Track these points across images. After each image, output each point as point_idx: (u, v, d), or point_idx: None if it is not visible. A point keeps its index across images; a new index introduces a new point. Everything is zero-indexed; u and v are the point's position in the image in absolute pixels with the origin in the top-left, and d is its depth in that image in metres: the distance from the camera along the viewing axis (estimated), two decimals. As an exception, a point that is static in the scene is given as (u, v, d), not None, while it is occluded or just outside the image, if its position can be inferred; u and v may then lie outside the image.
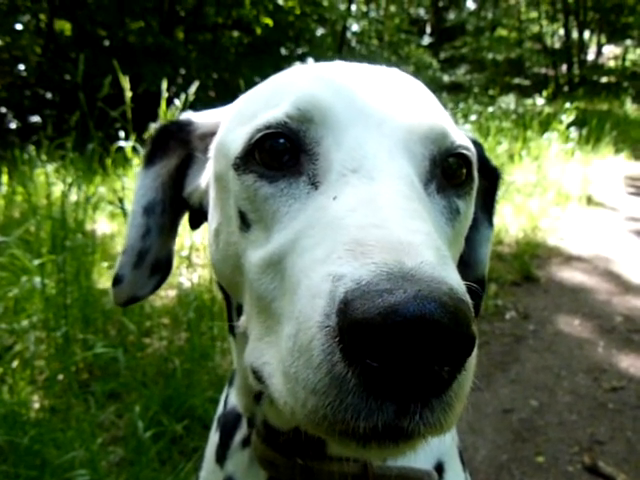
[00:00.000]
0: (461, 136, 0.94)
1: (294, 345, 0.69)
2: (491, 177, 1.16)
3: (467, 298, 0.66)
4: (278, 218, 0.85)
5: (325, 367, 0.64)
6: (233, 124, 0.99)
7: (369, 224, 0.70)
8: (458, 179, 0.92)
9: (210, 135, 1.07)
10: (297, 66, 1.03)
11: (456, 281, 0.67)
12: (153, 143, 1.13)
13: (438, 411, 0.65)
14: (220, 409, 1.26)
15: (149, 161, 1.14)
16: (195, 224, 1.22)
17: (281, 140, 0.87)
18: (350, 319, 0.62)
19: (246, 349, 0.88)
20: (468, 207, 0.95)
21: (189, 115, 1.13)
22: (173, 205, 1.16)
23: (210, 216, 1.03)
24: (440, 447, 1.16)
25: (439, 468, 1.14)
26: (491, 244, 1.21)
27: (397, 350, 0.60)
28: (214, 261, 1.00)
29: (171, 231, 1.19)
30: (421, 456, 1.12)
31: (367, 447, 0.67)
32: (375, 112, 0.87)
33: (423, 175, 0.87)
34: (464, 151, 0.92)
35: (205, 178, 1.09)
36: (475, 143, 1.11)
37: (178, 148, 1.12)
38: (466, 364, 0.65)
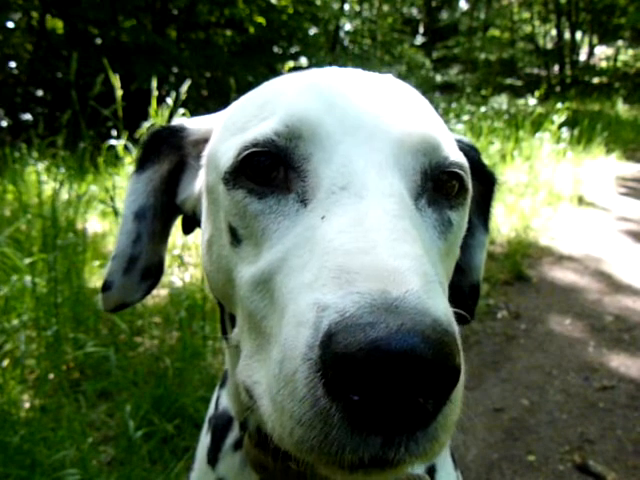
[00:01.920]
0: (453, 149, 0.92)
1: (280, 373, 0.68)
2: (487, 182, 1.15)
3: (452, 327, 0.65)
4: (268, 235, 0.84)
5: (309, 401, 0.64)
6: (224, 134, 0.97)
7: (356, 249, 0.69)
8: (450, 190, 0.91)
9: (203, 142, 1.06)
10: (289, 74, 1.00)
11: (442, 310, 0.65)
12: (145, 148, 1.12)
13: (423, 442, 0.64)
14: (211, 410, 1.25)
15: (141, 166, 1.12)
16: (188, 229, 1.21)
17: (269, 157, 0.85)
18: (332, 353, 0.61)
19: (238, 364, 0.87)
20: (461, 218, 0.93)
21: (182, 121, 1.12)
22: (165, 210, 1.15)
23: (203, 226, 1.01)
24: None
25: (431, 468, 1.15)
26: (486, 249, 1.19)
27: (380, 385, 0.60)
28: (207, 272, 0.99)
29: (162, 237, 1.18)
30: None
31: (354, 474, 0.67)
32: (367, 124, 0.86)
33: (414, 189, 0.86)
34: (456, 169, 0.90)
35: (198, 186, 1.07)
36: (471, 148, 1.11)
37: (170, 153, 1.10)
38: (451, 396, 0.65)
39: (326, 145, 0.84)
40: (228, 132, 0.96)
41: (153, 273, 1.18)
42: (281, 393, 0.68)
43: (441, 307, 0.65)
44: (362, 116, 0.86)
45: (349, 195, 0.77)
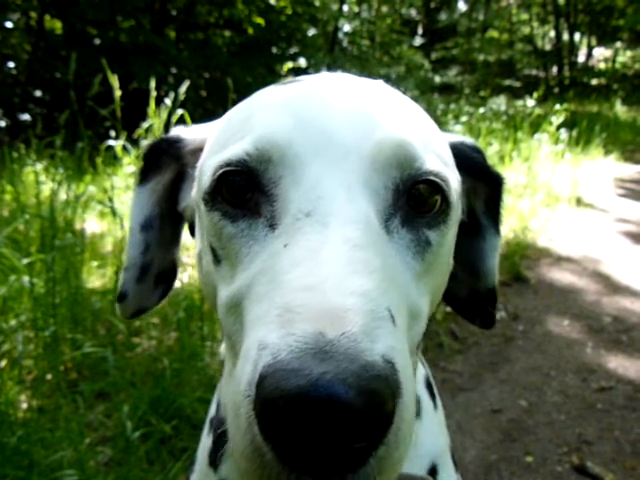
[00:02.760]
0: (431, 160, 0.88)
1: (233, 403, 0.69)
2: (493, 183, 1.11)
3: (388, 371, 0.64)
4: (240, 259, 0.84)
5: (248, 436, 0.64)
6: (211, 150, 0.97)
7: (303, 285, 0.69)
8: (430, 207, 0.87)
9: (199, 151, 1.06)
10: (270, 88, 0.99)
11: (381, 351, 0.64)
12: (145, 160, 1.13)
13: None
14: (212, 411, 1.24)
15: (143, 178, 1.13)
16: (195, 233, 1.22)
17: (243, 177, 0.85)
18: (261, 396, 0.62)
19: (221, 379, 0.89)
20: (443, 236, 0.89)
21: (178, 131, 1.12)
22: (172, 217, 1.16)
23: (196, 236, 1.02)
24: (433, 449, 1.17)
25: (433, 470, 1.15)
26: (499, 252, 1.16)
27: (304, 431, 0.60)
28: (200, 282, 1.01)
29: (173, 241, 1.20)
30: (416, 459, 1.13)
31: None
32: (339, 143, 0.83)
33: (385, 210, 0.83)
34: (432, 177, 0.86)
35: (194, 195, 1.08)
36: (474, 149, 1.09)
37: (171, 163, 1.11)
38: (385, 439, 0.64)
39: (296, 168, 0.82)
40: (213, 149, 0.96)
41: (167, 277, 1.21)
42: (232, 422, 0.69)
43: (380, 349, 0.64)
44: (335, 134, 0.84)
45: (312, 222, 0.76)
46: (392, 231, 0.83)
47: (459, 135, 1.12)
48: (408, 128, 0.89)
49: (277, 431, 0.61)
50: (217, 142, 0.96)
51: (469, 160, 1.06)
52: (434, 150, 0.91)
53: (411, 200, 0.86)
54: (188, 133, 1.11)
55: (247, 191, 0.85)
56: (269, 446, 0.62)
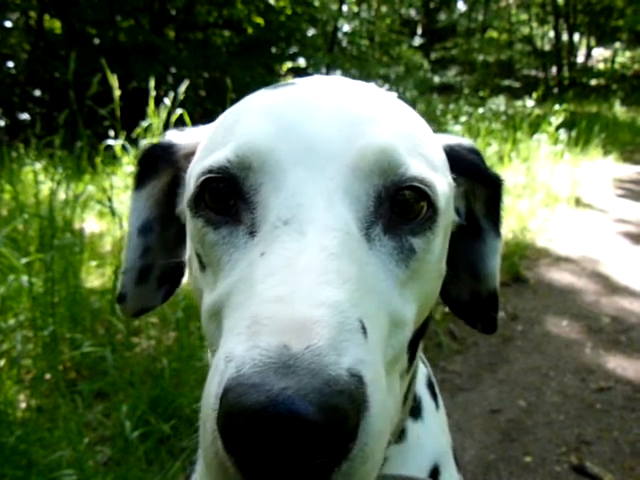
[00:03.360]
0: (416, 166, 0.86)
1: (202, 415, 0.69)
2: (492, 185, 1.09)
3: (352, 386, 0.62)
4: (222, 266, 0.84)
5: (213, 449, 0.64)
6: (200, 155, 0.97)
7: (274, 296, 0.68)
8: (416, 213, 0.86)
9: (192, 154, 1.06)
10: (260, 92, 0.98)
11: (347, 365, 0.63)
12: (140, 165, 1.13)
13: None
14: None
15: (139, 183, 1.13)
16: None
17: (225, 184, 0.84)
18: (223, 410, 0.62)
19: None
20: (429, 243, 0.87)
21: (170, 137, 1.12)
22: (173, 219, 1.16)
23: (187, 241, 1.02)
24: (436, 449, 1.18)
25: (435, 471, 1.15)
26: (500, 255, 1.13)
27: (264, 446, 0.59)
28: (192, 287, 1.00)
29: (177, 243, 1.19)
30: (418, 459, 1.13)
31: None
32: (321, 149, 0.82)
33: (366, 217, 0.82)
34: (416, 184, 0.84)
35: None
36: (471, 151, 1.08)
37: (166, 168, 1.11)
38: (349, 454, 0.63)
39: (276, 175, 0.82)
40: (201, 154, 0.96)
41: (171, 277, 1.21)
42: (201, 434, 0.69)
43: (347, 362, 0.63)
44: (317, 140, 0.83)
45: (289, 231, 0.76)
46: (373, 239, 0.82)
47: (457, 137, 1.11)
48: (394, 133, 0.87)
49: (239, 446, 0.61)
50: (205, 148, 0.96)
51: (466, 162, 1.05)
52: (422, 154, 0.90)
53: (396, 206, 0.84)
54: (181, 137, 1.11)
55: (230, 198, 0.84)
56: (232, 460, 0.62)
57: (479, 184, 1.06)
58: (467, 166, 1.04)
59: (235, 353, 0.64)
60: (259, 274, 0.73)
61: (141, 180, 1.13)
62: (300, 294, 0.68)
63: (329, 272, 0.71)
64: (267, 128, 0.85)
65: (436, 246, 0.89)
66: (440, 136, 1.07)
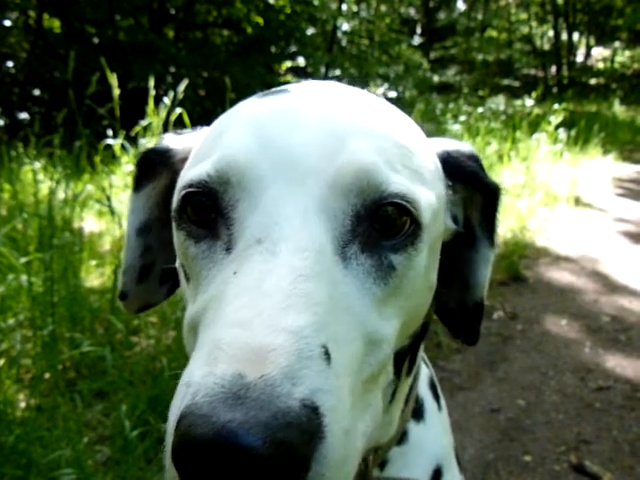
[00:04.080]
0: (398, 182, 0.83)
1: (167, 435, 0.69)
2: (489, 193, 1.06)
3: (306, 417, 0.62)
4: (201, 281, 0.84)
5: (170, 472, 0.64)
6: (188, 164, 0.96)
7: (236, 320, 0.68)
8: (399, 228, 0.83)
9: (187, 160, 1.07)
10: (249, 101, 0.97)
11: (301, 395, 0.62)
12: (139, 168, 1.14)
13: None
14: None
15: (138, 185, 1.14)
16: None
17: (208, 197, 0.84)
18: (176, 438, 0.62)
19: None
20: (410, 259, 0.84)
21: (167, 141, 1.12)
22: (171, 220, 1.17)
23: None
24: (438, 451, 1.18)
25: (437, 472, 1.16)
26: (491, 265, 1.10)
27: (214, 476, 0.59)
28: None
29: None
30: (420, 461, 1.14)
31: None
32: (301, 164, 0.81)
33: (343, 236, 0.80)
34: (397, 200, 0.82)
35: None
36: (469, 157, 1.05)
37: (164, 170, 1.11)
38: None
39: (253, 191, 0.80)
40: (189, 164, 0.95)
41: (172, 275, 1.19)
42: (164, 456, 0.69)
43: (301, 392, 0.62)
44: (297, 156, 0.81)
45: (262, 250, 0.75)
46: (349, 257, 0.80)
47: (456, 141, 1.09)
48: (378, 147, 0.85)
49: (190, 474, 0.61)
50: (194, 156, 0.95)
51: (463, 169, 1.02)
52: (408, 167, 0.87)
53: (377, 223, 0.82)
54: (178, 141, 1.11)
55: (211, 211, 0.84)
56: None
57: (476, 192, 1.04)
58: (464, 173, 1.02)
59: (193, 379, 0.64)
60: (228, 294, 0.73)
61: (139, 182, 1.14)
62: (262, 319, 0.67)
63: (296, 295, 0.70)
64: (248, 142, 0.84)
65: (419, 261, 0.86)
66: (438, 141, 1.05)
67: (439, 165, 0.99)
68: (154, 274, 1.19)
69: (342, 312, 0.74)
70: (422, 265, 0.87)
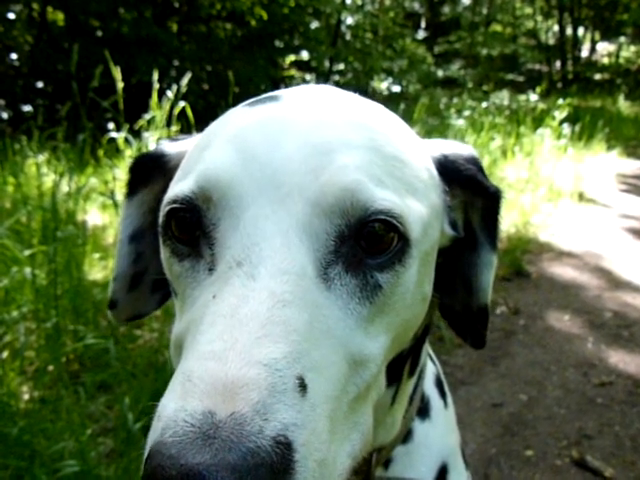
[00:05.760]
0: (384, 198, 0.79)
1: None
2: (490, 198, 1.02)
3: (277, 455, 0.60)
4: (185, 299, 0.83)
5: None
6: (177, 175, 0.94)
7: (209, 352, 0.66)
8: (387, 245, 0.80)
9: None
10: (233, 111, 0.94)
11: (273, 432, 0.61)
12: (132, 173, 1.12)
13: None
14: None
15: (131, 190, 1.12)
16: None
17: (190, 214, 0.82)
18: (144, 474, 0.61)
19: None
20: (398, 276, 0.82)
21: (162, 146, 1.10)
22: None
23: None
24: (443, 448, 1.18)
25: (443, 469, 1.15)
26: (494, 269, 1.07)
27: None
28: None
29: None
30: (425, 459, 1.14)
31: None
32: (285, 182, 0.78)
33: (326, 256, 0.78)
34: (383, 217, 0.79)
35: None
36: (469, 161, 1.02)
37: (158, 177, 1.09)
38: None
39: (235, 210, 0.78)
40: (177, 176, 0.93)
41: (165, 284, 1.20)
42: None
43: (273, 429, 0.61)
44: (281, 172, 0.78)
45: (241, 273, 0.73)
46: (332, 278, 0.78)
47: (454, 144, 1.05)
48: (363, 162, 0.81)
49: None
50: (181, 169, 0.93)
51: (462, 173, 0.99)
52: (398, 178, 0.85)
53: (363, 240, 0.79)
54: (172, 147, 1.09)
55: (196, 229, 0.82)
56: None
57: (477, 196, 1.01)
58: (463, 177, 0.99)
59: (165, 412, 0.63)
60: (205, 321, 0.71)
61: (132, 188, 1.12)
62: (235, 351, 0.65)
63: (272, 323, 0.68)
64: (230, 158, 0.81)
65: (408, 277, 0.84)
66: (436, 143, 1.03)
67: (434, 172, 0.96)
68: (146, 282, 1.16)
69: (323, 336, 0.72)
70: (412, 281, 0.84)
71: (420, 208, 0.86)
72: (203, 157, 0.85)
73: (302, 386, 0.66)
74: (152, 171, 1.09)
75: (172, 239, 0.84)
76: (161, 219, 0.86)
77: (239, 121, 0.88)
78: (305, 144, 0.81)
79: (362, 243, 0.80)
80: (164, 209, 0.85)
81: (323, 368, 0.71)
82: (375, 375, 0.81)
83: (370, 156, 0.83)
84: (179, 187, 0.83)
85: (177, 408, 0.62)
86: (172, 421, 0.61)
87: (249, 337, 0.66)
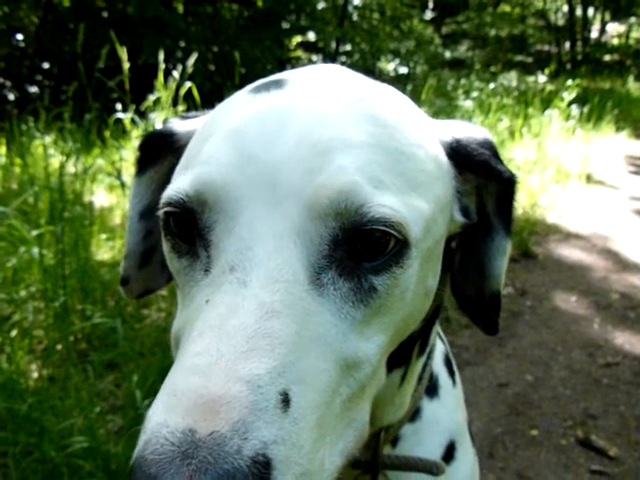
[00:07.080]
0: (381, 204, 0.76)
1: None
2: (504, 183, 0.99)
3: (251, 477, 0.60)
4: (184, 295, 0.83)
5: None
6: (179, 166, 0.93)
7: (194, 366, 0.66)
8: (384, 246, 0.78)
9: None
10: (236, 97, 0.92)
11: (252, 452, 0.61)
12: (142, 151, 1.11)
13: None
14: None
15: (140, 169, 1.12)
16: None
17: (185, 216, 0.81)
18: None
19: None
20: (396, 278, 0.79)
21: (172, 125, 1.09)
22: None
23: None
24: (452, 426, 1.19)
25: (451, 447, 1.17)
26: (508, 256, 1.05)
27: None
28: None
29: None
30: (434, 437, 1.15)
31: None
32: (280, 183, 0.76)
33: (319, 261, 0.76)
34: (380, 227, 0.76)
35: None
36: (483, 145, 0.98)
37: (167, 155, 1.08)
38: None
39: (230, 213, 0.76)
40: (182, 163, 0.92)
41: None
42: None
43: (252, 448, 0.61)
44: (277, 173, 0.76)
45: (232, 280, 0.72)
46: (325, 283, 0.76)
47: (468, 126, 1.01)
48: (362, 162, 0.78)
49: None
50: (186, 156, 0.92)
51: (474, 158, 0.95)
52: (400, 173, 0.81)
53: (360, 243, 0.77)
54: (181, 126, 1.08)
55: (192, 228, 0.81)
56: None
57: (491, 180, 0.98)
58: (475, 163, 0.95)
59: (148, 425, 0.64)
60: (195, 328, 0.71)
61: (142, 166, 1.12)
62: (219, 366, 0.65)
63: (259, 336, 0.68)
64: (227, 158, 0.79)
65: (408, 277, 0.81)
66: (448, 125, 0.99)
67: (443, 159, 0.92)
68: (156, 259, 1.17)
69: (312, 344, 0.71)
70: (411, 280, 0.82)
71: (422, 205, 0.83)
72: (202, 152, 0.83)
73: (285, 401, 0.66)
74: (161, 149, 1.08)
75: (172, 234, 0.84)
76: (160, 215, 0.85)
77: (239, 113, 0.85)
78: (304, 143, 0.78)
79: (357, 246, 0.78)
80: (161, 209, 0.83)
81: (311, 378, 0.70)
82: (370, 375, 0.80)
83: (371, 155, 0.79)
84: (174, 187, 0.81)
85: (160, 422, 0.62)
86: (154, 436, 0.61)
87: (234, 351, 0.66)
